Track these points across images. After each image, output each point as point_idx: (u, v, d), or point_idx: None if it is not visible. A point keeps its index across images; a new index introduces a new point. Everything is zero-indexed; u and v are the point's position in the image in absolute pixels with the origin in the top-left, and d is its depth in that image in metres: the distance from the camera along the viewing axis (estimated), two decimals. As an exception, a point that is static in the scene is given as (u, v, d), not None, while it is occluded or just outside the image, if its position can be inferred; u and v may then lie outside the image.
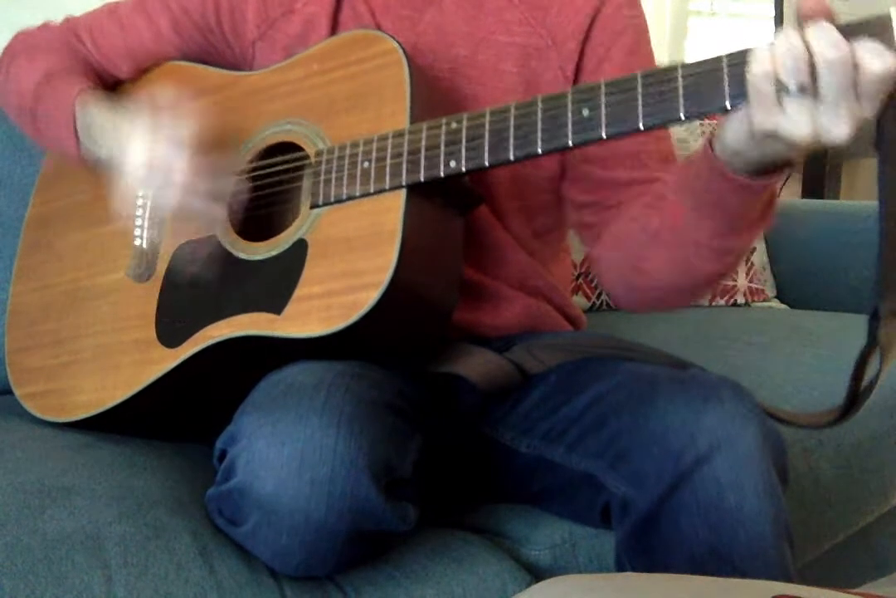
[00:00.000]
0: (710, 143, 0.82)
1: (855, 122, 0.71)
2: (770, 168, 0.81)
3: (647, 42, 1.07)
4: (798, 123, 0.71)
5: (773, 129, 0.73)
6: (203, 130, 0.94)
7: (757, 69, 0.71)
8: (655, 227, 0.92)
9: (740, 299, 1.91)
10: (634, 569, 0.87)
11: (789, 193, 2.51)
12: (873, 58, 0.68)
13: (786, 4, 2.45)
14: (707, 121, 1.94)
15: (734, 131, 0.78)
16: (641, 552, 0.86)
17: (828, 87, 0.70)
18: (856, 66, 0.69)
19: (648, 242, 0.93)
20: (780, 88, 0.71)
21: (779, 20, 2.46)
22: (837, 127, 0.71)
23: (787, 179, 0.83)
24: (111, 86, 1.15)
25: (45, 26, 1.17)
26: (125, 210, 0.98)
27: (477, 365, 0.96)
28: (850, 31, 0.70)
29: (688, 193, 0.87)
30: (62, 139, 1.05)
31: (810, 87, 0.70)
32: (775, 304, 1.95)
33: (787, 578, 0.83)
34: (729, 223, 0.86)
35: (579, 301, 1.74)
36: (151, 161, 0.93)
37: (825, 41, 0.69)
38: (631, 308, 1.07)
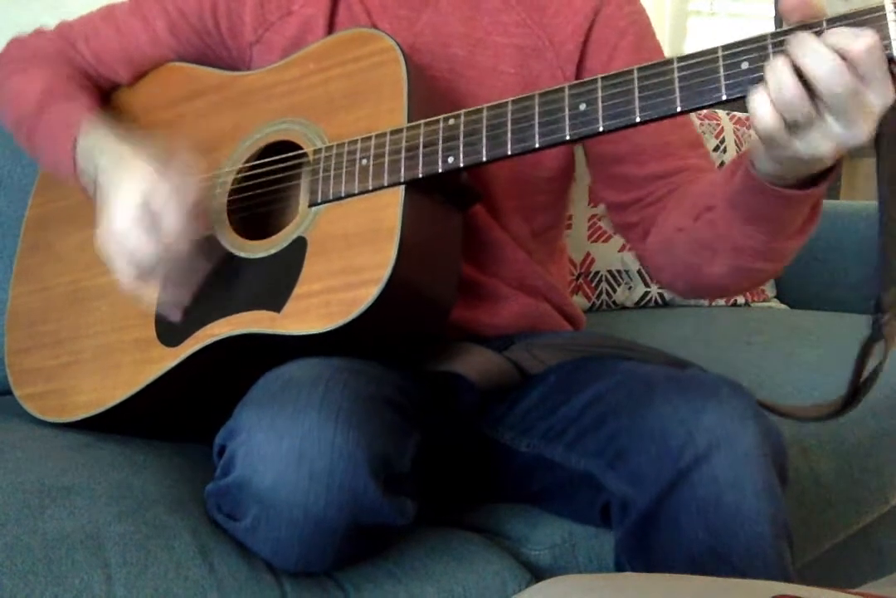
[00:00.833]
0: (746, 159, 0.83)
1: (870, 117, 0.71)
2: (810, 177, 0.81)
3: (652, 36, 1.08)
4: (816, 144, 0.72)
5: (793, 157, 0.74)
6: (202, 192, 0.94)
7: (761, 123, 0.72)
8: (708, 238, 0.92)
9: (740, 299, 1.91)
10: (634, 569, 0.87)
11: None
12: (852, 41, 0.68)
13: (786, 5, 2.45)
14: (707, 120, 1.94)
15: (760, 161, 0.79)
16: (641, 552, 0.86)
17: (832, 102, 0.70)
18: (846, 60, 0.69)
19: (703, 251, 0.93)
20: (789, 126, 0.72)
21: (779, 20, 2.46)
22: (855, 131, 0.71)
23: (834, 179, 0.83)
24: (109, 91, 1.16)
25: (39, 34, 1.17)
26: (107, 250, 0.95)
27: (476, 364, 0.96)
28: (836, 22, 0.70)
29: (730, 206, 0.87)
30: (60, 162, 1.05)
31: (816, 112, 0.71)
32: (775, 304, 1.95)
33: (786, 578, 0.83)
34: (775, 231, 0.87)
35: (579, 301, 1.74)
36: (153, 194, 0.91)
37: (814, 58, 0.69)
38: (687, 298, 1.11)
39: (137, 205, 0.91)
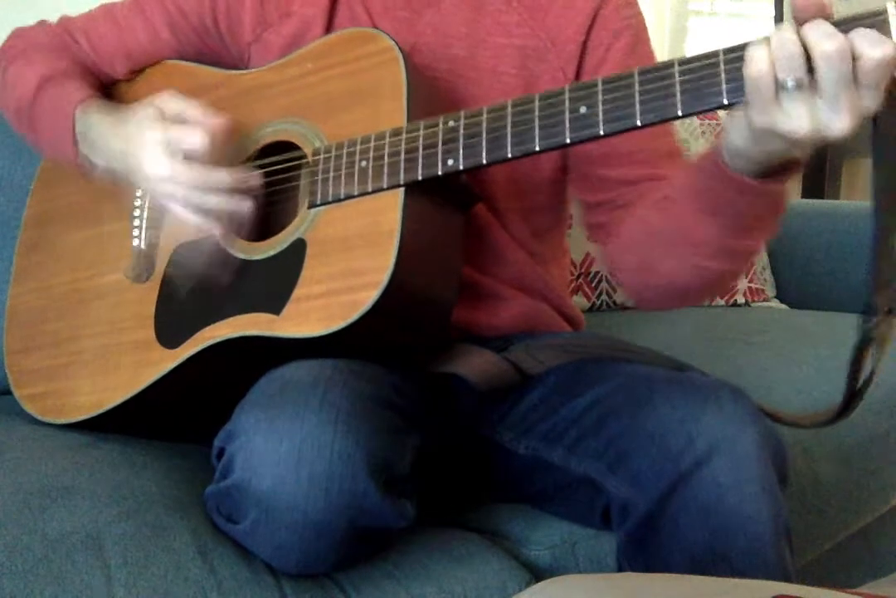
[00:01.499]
0: (715, 145, 0.82)
1: (856, 114, 0.70)
2: (777, 169, 0.81)
3: (646, 42, 1.07)
4: (798, 119, 0.71)
5: (772, 126, 0.73)
6: (214, 131, 0.95)
7: (753, 67, 0.71)
8: (664, 228, 0.92)
9: (740, 299, 1.91)
10: (634, 570, 0.87)
11: (789, 194, 2.51)
12: (872, 45, 0.68)
13: (786, 4, 2.45)
14: (707, 120, 1.94)
15: (735, 130, 0.78)
16: (641, 554, 0.86)
17: (827, 81, 0.69)
18: (854, 57, 0.68)
19: (659, 243, 0.94)
20: (778, 85, 0.71)
21: (779, 20, 2.46)
22: (838, 120, 0.70)
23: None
24: (106, 85, 1.16)
25: (41, 26, 1.17)
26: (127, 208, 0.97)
27: (475, 365, 0.96)
28: (847, 26, 0.69)
29: (694, 195, 0.88)
30: (60, 145, 1.05)
31: (808, 82, 0.70)
32: (775, 304, 1.95)
33: (787, 578, 0.83)
34: (736, 224, 0.86)
35: (579, 301, 1.74)
36: (171, 177, 0.93)
37: (821, 34, 0.69)
38: (648, 307, 1.08)
39: (157, 141, 0.94)
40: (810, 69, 0.70)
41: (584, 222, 1.09)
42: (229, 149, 0.97)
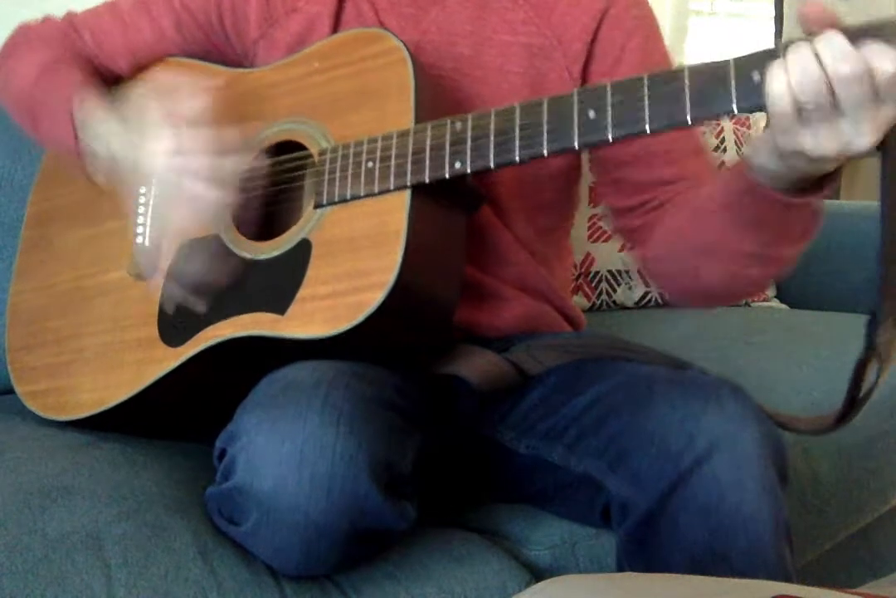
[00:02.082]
0: (745, 161, 0.82)
1: (880, 128, 0.70)
2: (809, 184, 0.80)
3: (660, 39, 1.07)
4: (822, 139, 0.72)
5: (796, 148, 0.73)
6: (214, 106, 0.93)
7: (775, 92, 0.71)
8: (701, 239, 0.92)
9: (740, 299, 1.91)
10: (634, 569, 0.87)
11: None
12: (883, 60, 0.68)
13: (786, 4, 2.45)
14: (715, 124, 1.93)
15: (761, 150, 0.79)
16: (641, 553, 0.86)
17: (847, 102, 0.69)
18: (871, 74, 0.68)
19: (697, 253, 0.93)
20: (800, 109, 0.71)
21: (779, 20, 2.46)
22: (861, 137, 0.71)
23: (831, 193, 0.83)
24: (110, 82, 1.15)
25: (47, 21, 1.17)
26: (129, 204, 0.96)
27: (476, 366, 0.96)
28: (859, 34, 0.69)
29: (728, 210, 0.87)
30: (59, 132, 1.04)
31: (829, 104, 0.70)
32: (775, 304, 1.95)
33: (787, 578, 0.83)
34: (773, 236, 0.86)
35: (579, 301, 1.73)
36: (179, 147, 0.91)
37: (836, 56, 0.69)
38: (685, 306, 1.10)
39: (158, 114, 0.92)
40: (831, 91, 0.70)
41: (616, 227, 1.08)
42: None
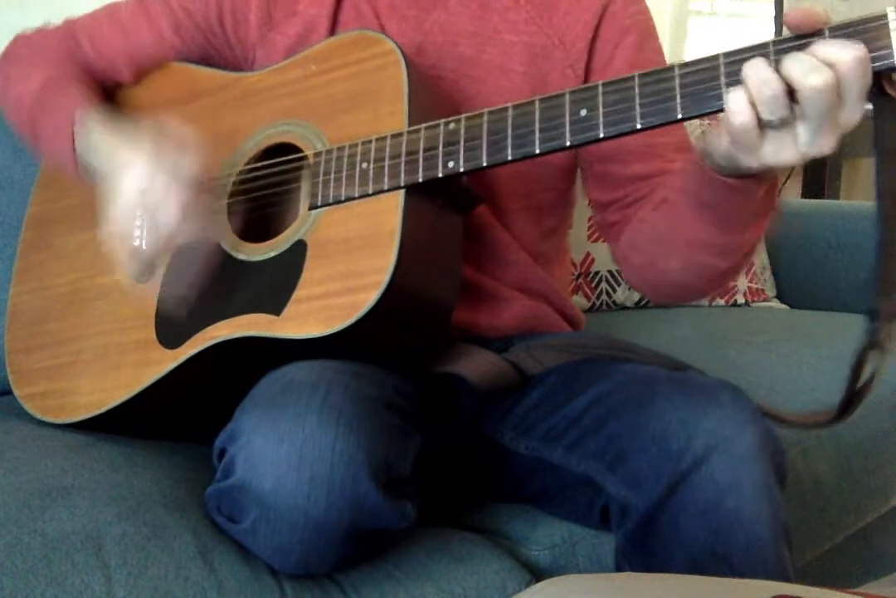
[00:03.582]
0: (699, 149, 0.83)
1: (840, 131, 0.71)
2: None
3: (655, 38, 1.08)
4: (784, 149, 0.72)
5: (758, 160, 0.74)
6: (201, 169, 0.93)
7: (735, 116, 0.72)
8: (663, 229, 0.93)
9: (740, 299, 1.91)
10: (634, 570, 0.87)
11: (789, 193, 2.51)
12: (840, 52, 0.68)
13: (786, 4, 2.45)
14: (707, 119, 1.94)
15: (717, 154, 0.79)
16: (641, 554, 0.86)
17: (814, 111, 0.70)
18: (832, 68, 0.68)
19: (660, 242, 0.95)
20: (762, 124, 0.72)
21: (779, 20, 2.46)
22: (823, 142, 0.71)
23: (787, 178, 0.84)
24: (111, 89, 1.16)
25: (44, 30, 1.17)
26: (117, 231, 0.94)
27: (476, 366, 0.96)
28: (842, 32, 0.69)
29: (684, 195, 0.88)
30: (60, 151, 1.05)
31: (792, 115, 0.71)
32: (775, 304, 1.95)
33: (786, 578, 0.83)
34: (728, 222, 0.87)
35: (579, 301, 1.74)
36: (149, 189, 0.91)
37: (806, 68, 0.69)
38: (657, 301, 1.10)
39: (134, 204, 0.91)
40: (793, 100, 0.70)
41: (596, 222, 1.09)
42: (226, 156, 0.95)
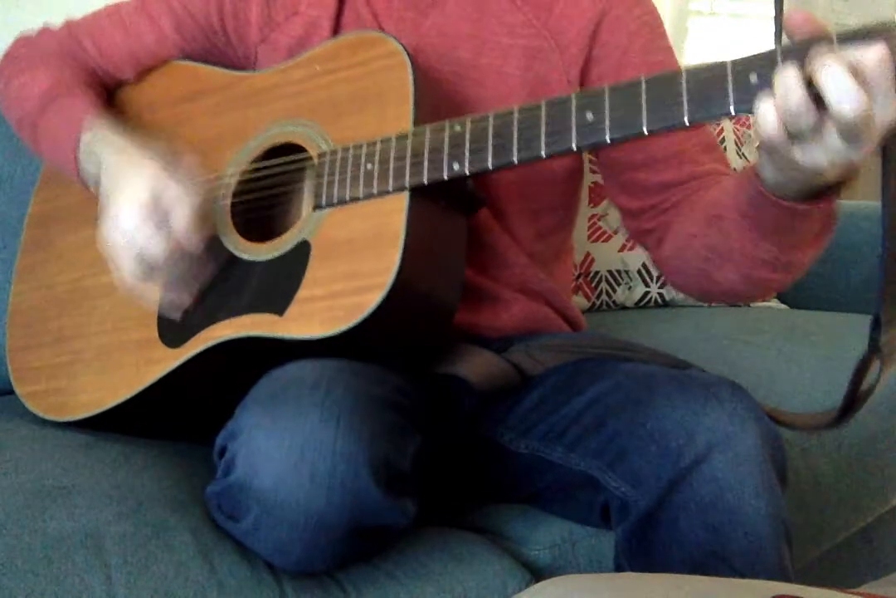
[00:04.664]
0: (753, 170, 0.82)
1: (875, 133, 0.70)
2: (816, 192, 0.80)
3: (664, 37, 1.07)
4: (815, 156, 0.72)
5: (793, 165, 0.74)
6: (200, 210, 0.93)
7: (763, 128, 0.71)
8: (718, 244, 0.92)
9: (740, 299, 1.90)
10: (633, 569, 0.87)
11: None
12: (864, 53, 0.67)
13: (786, 4, 2.45)
14: (715, 124, 1.93)
15: (763, 167, 0.79)
16: (641, 552, 0.86)
17: (842, 117, 0.68)
18: (860, 77, 0.67)
19: (714, 258, 0.93)
20: (791, 134, 0.71)
21: (779, 20, 2.46)
22: (856, 146, 0.70)
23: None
24: (113, 89, 1.16)
25: (46, 31, 1.17)
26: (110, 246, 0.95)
27: (476, 366, 0.96)
28: (850, 43, 0.69)
29: (745, 218, 0.87)
30: (62, 159, 1.05)
31: (821, 122, 0.70)
32: (775, 304, 1.95)
33: (786, 578, 0.83)
34: (791, 243, 0.86)
35: (579, 301, 1.74)
36: (160, 197, 0.91)
37: (826, 74, 0.67)
38: (706, 302, 1.08)
39: (146, 203, 0.91)
40: (818, 107, 0.69)
41: (629, 230, 1.08)
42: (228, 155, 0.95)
